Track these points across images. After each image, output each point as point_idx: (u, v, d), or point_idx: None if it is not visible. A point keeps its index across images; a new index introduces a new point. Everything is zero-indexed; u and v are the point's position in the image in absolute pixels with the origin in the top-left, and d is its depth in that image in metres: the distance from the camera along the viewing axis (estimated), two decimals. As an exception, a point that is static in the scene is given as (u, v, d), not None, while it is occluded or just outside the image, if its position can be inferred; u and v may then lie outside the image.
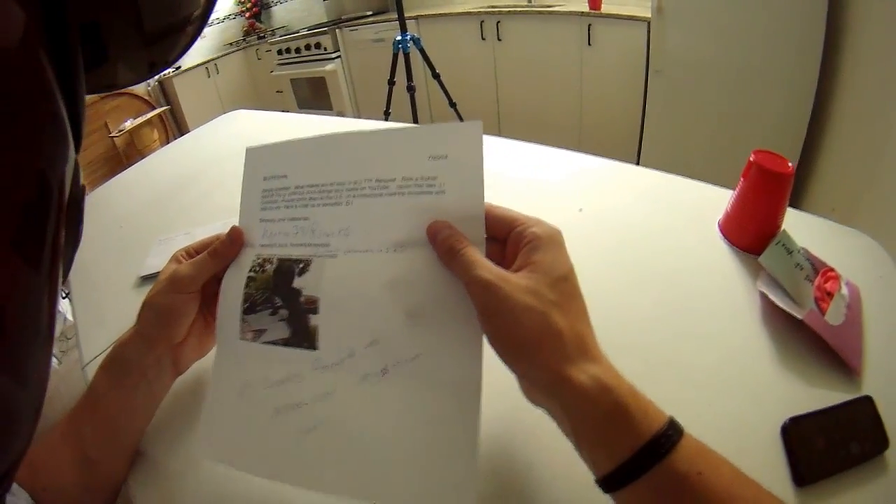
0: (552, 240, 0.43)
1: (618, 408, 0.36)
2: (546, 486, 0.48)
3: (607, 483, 0.36)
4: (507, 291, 0.39)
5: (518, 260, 0.43)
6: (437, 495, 0.42)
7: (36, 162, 0.18)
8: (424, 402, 0.44)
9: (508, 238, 0.45)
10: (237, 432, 0.50)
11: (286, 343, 0.49)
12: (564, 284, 0.41)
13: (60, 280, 0.22)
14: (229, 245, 0.54)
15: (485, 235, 0.45)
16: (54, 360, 2.60)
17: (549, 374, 0.38)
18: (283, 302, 0.50)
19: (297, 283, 0.50)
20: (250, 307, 0.51)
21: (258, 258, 0.53)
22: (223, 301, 0.53)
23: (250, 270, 0.52)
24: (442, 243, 0.44)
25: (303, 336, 0.48)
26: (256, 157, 0.57)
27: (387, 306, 0.46)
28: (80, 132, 0.21)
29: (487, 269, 0.41)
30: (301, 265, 0.50)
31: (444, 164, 0.47)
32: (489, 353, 0.42)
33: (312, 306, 0.48)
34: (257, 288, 0.51)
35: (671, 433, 0.35)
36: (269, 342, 0.50)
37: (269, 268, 0.51)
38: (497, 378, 0.42)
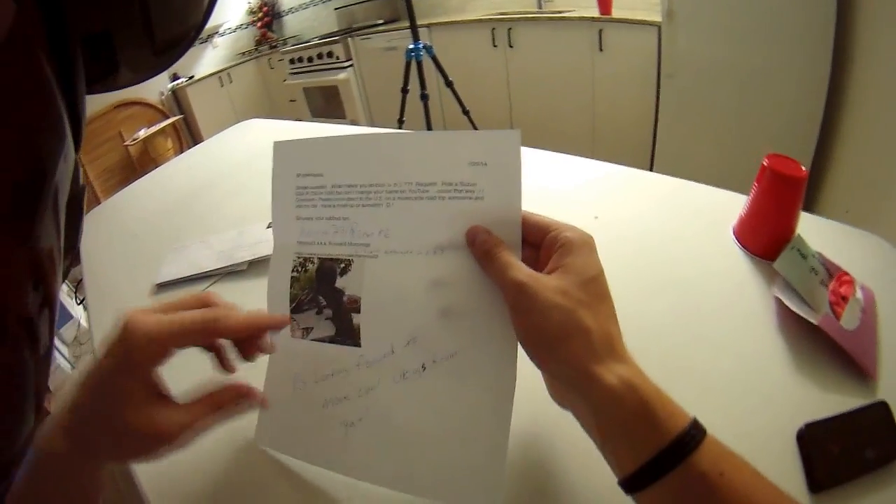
0: (584, 244, 0.44)
1: (643, 407, 0.36)
2: (568, 487, 0.48)
3: (630, 483, 0.36)
4: (537, 290, 0.40)
5: (550, 263, 0.44)
6: (468, 490, 0.45)
7: (29, 147, 0.18)
8: (460, 399, 0.47)
9: (542, 243, 0.46)
10: (290, 423, 0.54)
11: (332, 340, 0.52)
12: (594, 285, 0.42)
13: (61, 270, 0.22)
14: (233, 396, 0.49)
15: (521, 240, 0.47)
16: (67, 365, 2.63)
17: (577, 370, 0.39)
18: (327, 301, 0.53)
19: (340, 283, 0.52)
20: (297, 306, 0.54)
21: (298, 257, 0.55)
22: (272, 302, 0.56)
23: (293, 271, 0.55)
24: (479, 247, 0.46)
25: (347, 334, 0.51)
26: (286, 151, 0.57)
27: (426, 306, 0.49)
28: (79, 133, 0.22)
29: (520, 270, 0.42)
30: (342, 265, 0.52)
31: (484, 171, 0.48)
32: (520, 356, 0.44)
33: (355, 306, 0.51)
34: (301, 288, 0.54)
35: (694, 433, 0.35)
36: (316, 339, 0.53)
37: (311, 267, 0.54)
38: (521, 381, 0.44)
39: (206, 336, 0.48)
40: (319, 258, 0.54)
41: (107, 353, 0.42)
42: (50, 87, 0.19)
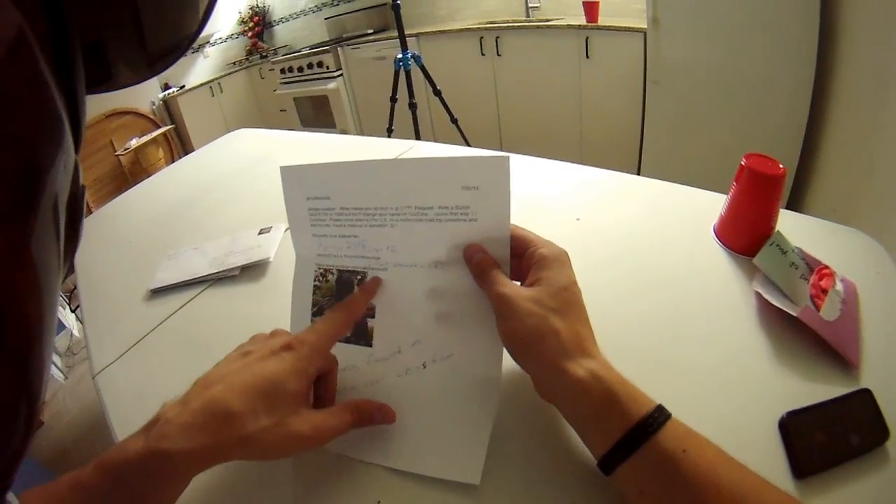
0: (556, 259, 0.51)
1: (609, 395, 0.42)
2: (549, 470, 0.50)
3: (605, 464, 0.41)
4: (516, 300, 0.47)
5: (529, 277, 0.51)
6: (453, 464, 0.51)
7: (26, 146, 0.18)
8: (453, 393, 0.54)
9: (524, 255, 0.53)
10: None
11: (346, 340, 0.59)
12: (564, 293, 0.48)
13: (61, 274, 0.22)
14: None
15: (509, 256, 0.54)
16: (60, 375, 2.61)
17: (550, 367, 0.45)
18: None
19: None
20: (318, 311, 0.60)
21: (318, 268, 0.61)
22: (296, 305, 0.62)
23: (315, 280, 0.61)
24: (476, 265, 0.53)
25: (360, 335, 0.59)
26: (293, 176, 0.60)
27: (428, 313, 0.56)
28: (79, 133, 0.22)
29: (506, 285, 0.50)
30: (359, 277, 0.59)
31: (476, 194, 0.53)
32: (511, 366, 0.50)
33: (370, 312, 0.58)
34: (323, 295, 0.60)
35: (658, 415, 0.40)
36: None
37: (331, 278, 0.60)
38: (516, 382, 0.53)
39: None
40: (338, 270, 0.60)
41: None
42: (48, 87, 0.19)
